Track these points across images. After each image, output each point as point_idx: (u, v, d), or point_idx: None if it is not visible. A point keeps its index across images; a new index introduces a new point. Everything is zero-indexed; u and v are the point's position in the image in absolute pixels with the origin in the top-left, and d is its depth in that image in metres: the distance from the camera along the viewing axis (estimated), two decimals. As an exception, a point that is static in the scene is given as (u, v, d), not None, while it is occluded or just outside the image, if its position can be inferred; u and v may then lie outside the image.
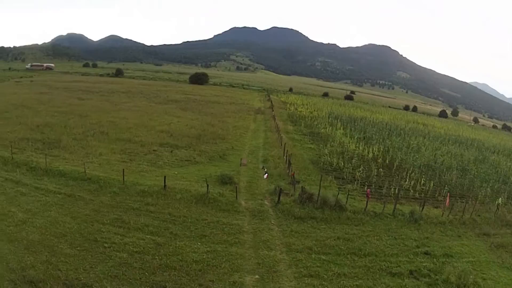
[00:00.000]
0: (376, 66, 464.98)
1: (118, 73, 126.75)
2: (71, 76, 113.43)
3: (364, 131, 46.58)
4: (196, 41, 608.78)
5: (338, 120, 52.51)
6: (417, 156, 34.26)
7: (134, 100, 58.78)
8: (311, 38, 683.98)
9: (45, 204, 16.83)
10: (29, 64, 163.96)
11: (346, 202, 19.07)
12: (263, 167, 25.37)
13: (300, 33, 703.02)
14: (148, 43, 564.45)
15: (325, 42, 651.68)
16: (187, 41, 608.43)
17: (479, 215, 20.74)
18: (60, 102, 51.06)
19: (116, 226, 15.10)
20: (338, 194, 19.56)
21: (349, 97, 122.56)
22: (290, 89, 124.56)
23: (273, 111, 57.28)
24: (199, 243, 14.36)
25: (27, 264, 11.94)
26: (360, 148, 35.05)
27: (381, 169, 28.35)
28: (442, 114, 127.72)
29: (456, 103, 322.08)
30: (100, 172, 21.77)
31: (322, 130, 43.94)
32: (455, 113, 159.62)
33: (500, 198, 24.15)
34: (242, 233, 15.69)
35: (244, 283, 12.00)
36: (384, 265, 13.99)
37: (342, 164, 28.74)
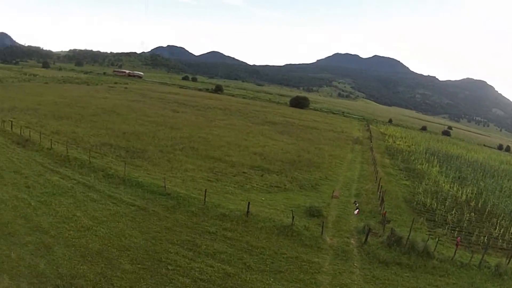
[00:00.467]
0: (472, 102, 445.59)
1: (218, 89, 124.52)
2: (168, 88, 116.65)
3: (459, 170, 43.07)
4: (298, 64, 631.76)
5: (435, 157, 48.82)
6: (508, 202, 30.37)
7: (230, 118, 56.89)
8: (411, 69, 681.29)
9: (115, 214, 16.46)
10: (114, 70, 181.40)
11: (435, 249, 17.03)
12: (355, 201, 23.77)
13: (401, 63, 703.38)
14: (250, 63, 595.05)
15: (425, 74, 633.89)
16: (290, 64, 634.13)
17: None
18: (153, 112, 50.92)
19: (186, 249, 14.22)
20: (428, 239, 17.57)
21: (446, 133, 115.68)
22: (390, 120, 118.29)
23: (371, 142, 54.12)
24: (271, 279, 12.79)
25: (78, 272, 11.47)
26: (454, 188, 32.07)
27: (473, 214, 25.41)
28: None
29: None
30: (181, 188, 20.83)
31: (418, 166, 40.76)
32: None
33: None
34: (320, 273, 13.73)
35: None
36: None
37: (435, 205, 25.91)
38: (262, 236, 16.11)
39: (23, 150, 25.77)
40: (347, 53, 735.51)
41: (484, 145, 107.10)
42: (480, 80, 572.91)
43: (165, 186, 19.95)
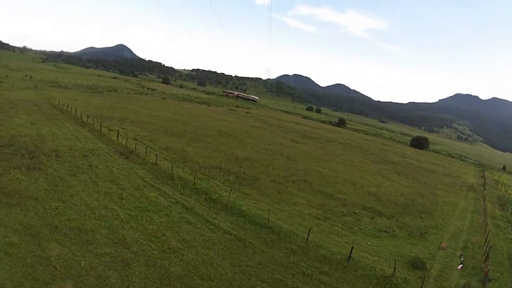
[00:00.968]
0: None
1: (341, 122, 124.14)
2: (291, 116, 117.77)
3: None
4: (421, 103, 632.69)
5: (547, 209, 39.76)
6: None
7: (349, 153, 55.72)
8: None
9: (208, 240, 15.89)
10: (224, 91, 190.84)
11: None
12: (460, 255, 22.25)
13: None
14: (375, 98, 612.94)
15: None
16: (413, 102, 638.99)
17: None
18: (271, 140, 50.68)
19: (275, 289, 13.18)
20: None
21: None
22: (504, 167, 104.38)
23: (484, 189, 49.88)
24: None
25: (152, 295, 10.74)
26: None
27: None
28: None
29: None
30: (285, 223, 19.82)
31: (528, 219, 34.11)
32: None
33: None
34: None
35: None
36: None
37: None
38: (358, 285, 14.63)
39: (125, 161, 25.73)
40: (467, 94, 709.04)
41: None
42: None
43: (268, 218, 19.24)
